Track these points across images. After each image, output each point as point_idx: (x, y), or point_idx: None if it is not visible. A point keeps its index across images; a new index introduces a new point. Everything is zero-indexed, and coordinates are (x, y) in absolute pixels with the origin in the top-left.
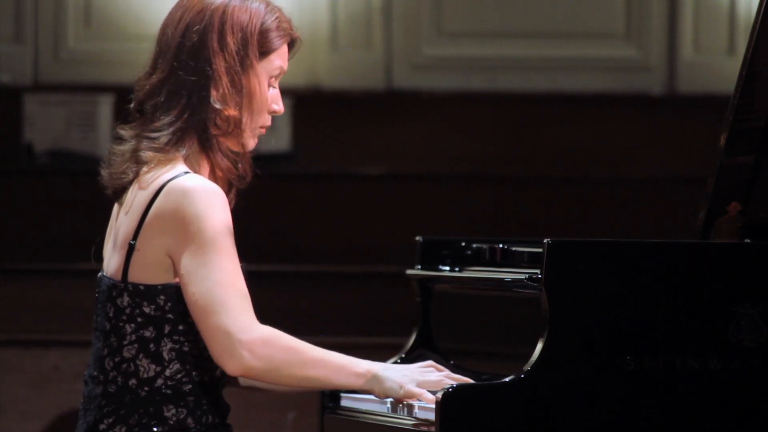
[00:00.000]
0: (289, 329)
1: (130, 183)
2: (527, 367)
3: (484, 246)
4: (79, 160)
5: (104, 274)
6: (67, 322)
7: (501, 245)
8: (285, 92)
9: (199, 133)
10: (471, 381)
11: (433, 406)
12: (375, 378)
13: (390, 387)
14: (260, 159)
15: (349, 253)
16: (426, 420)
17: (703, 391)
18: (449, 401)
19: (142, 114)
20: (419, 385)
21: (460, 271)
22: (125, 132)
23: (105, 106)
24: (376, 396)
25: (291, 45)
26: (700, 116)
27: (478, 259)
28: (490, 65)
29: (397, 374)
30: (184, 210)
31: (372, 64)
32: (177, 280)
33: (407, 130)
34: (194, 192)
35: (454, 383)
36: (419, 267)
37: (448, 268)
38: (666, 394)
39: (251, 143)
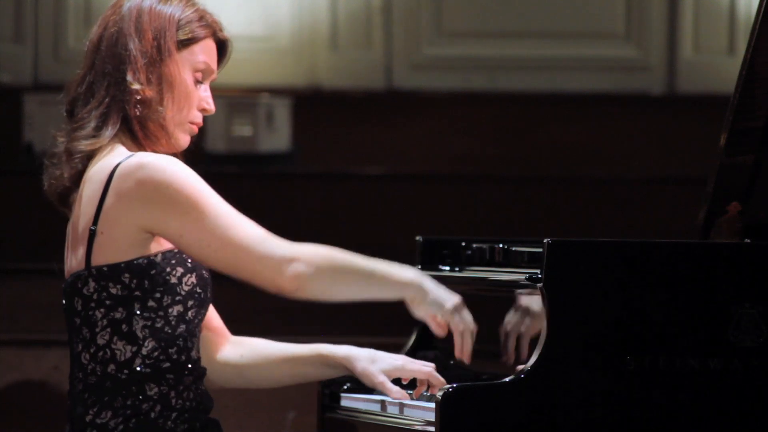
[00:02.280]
0: (288, 329)
1: (74, 181)
2: (527, 367)
3: (484, 246)
4: None
5: (66, 279)
6: None
7: (501, 245)
8: (285, 92)
9: (122, 117)
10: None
11: (428, 404)
12: (420, 289)
13: (433, 300)
14: (260, 159)
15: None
16: (426, 420)
17: (703, 391)
18: (449, 401)
19: (71, 114)
20: (460, 318)
21: (460, 271)
22: (59, 136)
23: None
24: (415, 308)
25: (222, 48)
26: (700, 116)
27: (478, 259)
28: (490, 65)
29: (442, 292)
30: (152, 180)
31: (372, 64)
32: (142, 255)
33: (407, 130)
34: (152, 162)
35: (455, 384)
36: (419, 267)
37: (448, 268)
38: (666, 394)
39: (183, 140)
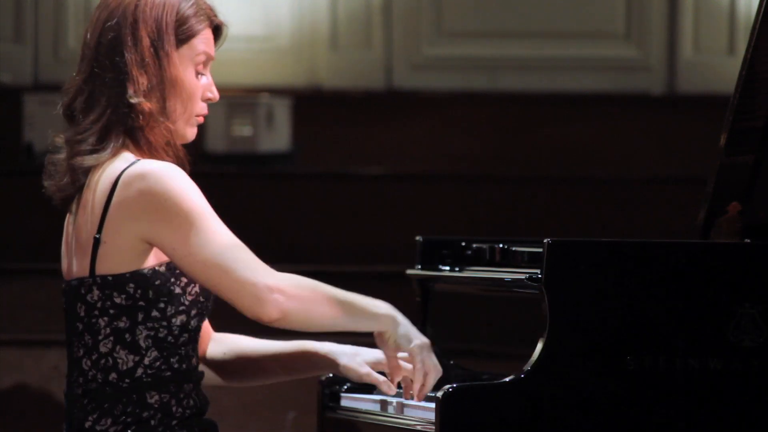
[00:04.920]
0: (288, 329)
1: (79, 188)
2: (527, 367)
3: (484, 246)
4: None
5: (67, 281)
6: None
7: (501, 245)
8: (285, 92)
9: (124, 128)
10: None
11: (428, 404)
12: (393, 320)
13: (403, 334)
14: (260, 159)
15: (349, 253)
16: (426, 420)
17: (703, 391)
18: (449, 401)
19: (71, 119)
20: (428, 355)
21: (460, 271)
22: (59, 139)
23: None
24: (385, 340)
25: (217, 33)
26: (700, 116)
27: (478, 259)
28: (490, 65)
29: (412, 329)
30: (151, 191)
31: (372, 64)
32: (146, 266)
33: (407, 130)
34: (155, 172)
35: (455, 384)
36: (419, 267)
37: (448, 268)
38: (666, 394)
39: (190, 132)
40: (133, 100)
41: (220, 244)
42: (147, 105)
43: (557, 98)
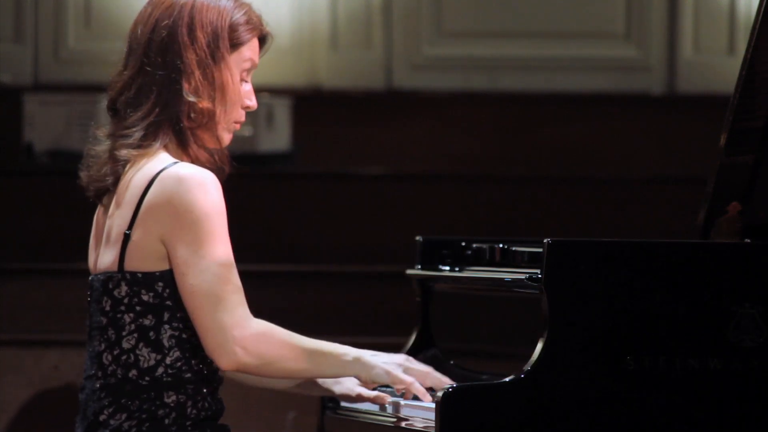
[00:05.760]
0: (288, 329)
1: (113, 184)
2: (527, 367)
3: (484, 246)
4: (79, 160)
5: (95, 274)
6: (67, 322)
7: (501, 245)
8: (285, 92)
9: (173, 127)
10: (449, 381)
11: (428, 404)
12: (362, 364)
13: (377, 373)
14: (260, 159)
15: (349, 253)
16: (426, 420)
17: (703, 391)
18: (449, 401)
19: (115, 113)
20: (406, 371)
21: (460, 271)
22: (100, 132)
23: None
24: (362, 382)
25: (262, 41)
26: (700, 116)
27: (478, 259)
28: (490, 65)
29: (384, 361)
30: (179, 198)
31: (372, 64)
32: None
33: (407, 130)
34: (189, 179)
35: (454, 383)
36: (419, 267)
37: (448, 268)
38: (666, 394)
39: (226, 138)
40: (191, 98)
41: (214, 276)
42: (204, 104)
43: (557, 98)
